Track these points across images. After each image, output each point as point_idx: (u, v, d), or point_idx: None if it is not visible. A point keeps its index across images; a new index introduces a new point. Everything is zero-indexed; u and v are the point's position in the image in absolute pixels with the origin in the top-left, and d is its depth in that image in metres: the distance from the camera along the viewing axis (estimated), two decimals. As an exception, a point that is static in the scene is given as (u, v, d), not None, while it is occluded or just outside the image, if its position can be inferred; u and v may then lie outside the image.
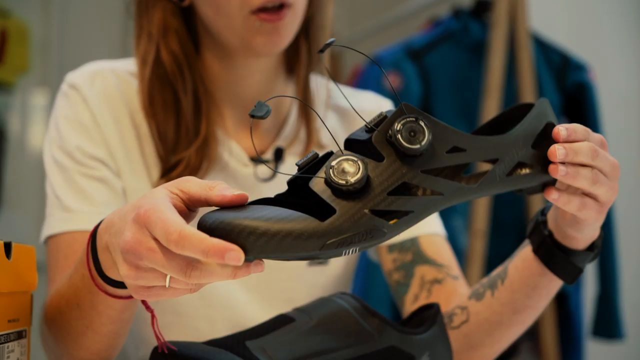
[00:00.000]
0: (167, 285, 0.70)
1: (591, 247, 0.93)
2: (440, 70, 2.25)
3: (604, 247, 2.26)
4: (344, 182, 0.72)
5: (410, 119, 0.75)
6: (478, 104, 2.18)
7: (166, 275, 0.70)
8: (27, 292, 0.85)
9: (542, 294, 0.98)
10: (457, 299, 1.09)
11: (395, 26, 2.84)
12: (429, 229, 1.18)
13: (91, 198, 1.06)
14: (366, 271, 2.17)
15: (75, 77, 1.14)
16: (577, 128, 0.83)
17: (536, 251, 0.94)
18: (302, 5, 1.09)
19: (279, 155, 1.16)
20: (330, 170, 0.73)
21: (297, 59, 1.18)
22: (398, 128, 0.74)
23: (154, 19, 1.11)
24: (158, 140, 1.10)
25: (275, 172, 1.14)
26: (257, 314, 1.12)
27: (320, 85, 1.22)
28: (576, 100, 2.28)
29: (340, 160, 0.73)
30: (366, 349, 0.87)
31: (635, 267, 2.68)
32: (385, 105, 1.28)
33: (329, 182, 0.73)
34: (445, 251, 1.18)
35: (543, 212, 0.95)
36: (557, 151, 0.80)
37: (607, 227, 2.26)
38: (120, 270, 0.71)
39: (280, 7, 1.06)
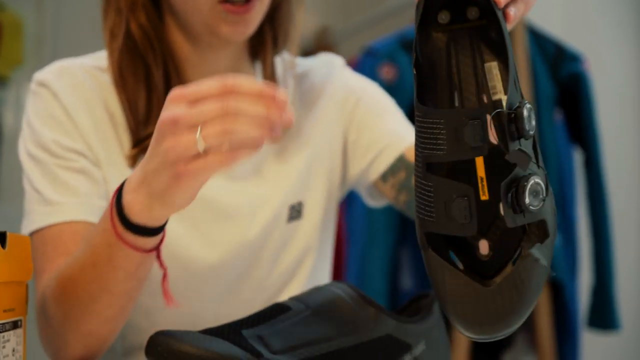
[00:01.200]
0: (197, 137, 0.74)
1: None
2: (435, 62, 2.25)
3: (598, 238, 2.27)
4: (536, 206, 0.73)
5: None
6: (473, 95, 2.17)
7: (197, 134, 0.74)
8: (22, 282, 0.85)
9: None
10: None
11: (390, 18, 2.84)
12: (409, 139, 1.19)
13: (74, 189, 1.06)
14: (361, 264, 2.17)
15: (42, 74, 1.14)
16: None
17: None
18: None
19: None
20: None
21: (262, 46, 1.19)
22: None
23: (122, 4, 1.11)
24: (129, 111, 1.10)
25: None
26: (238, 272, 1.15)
27: (286, 61, 1.24)
28: (571, 91, 2.28)
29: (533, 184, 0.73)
30: (362, 337, 0.87)
31: (631, 257, 2.69)
32: (338, 62, 1.31)
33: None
34: None
35: None
36: None
37: (603, 218, 2.26)
38: (160, 119, 0.76)
39: (247, 1, 1.06)
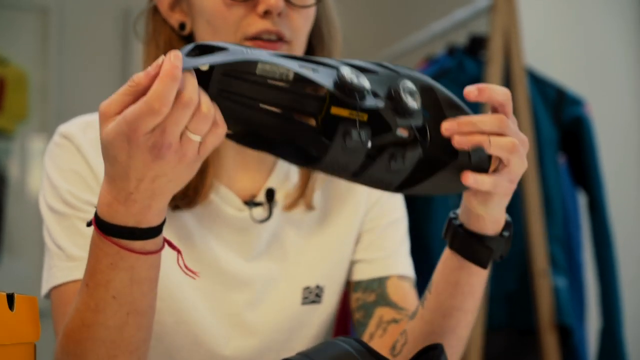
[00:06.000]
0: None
1: (501, 234, 0.96)
2: (437, 108, 2.26)
3: (605, 281, 2.26)
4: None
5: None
6: (476, 140, 2.18)
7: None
8: (30, 344, 0.85)
9: (464, 291, 0.99)
10: None
11: (397, 61, 2.85)
12: (399, 270, 1.19)
13: None
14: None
15: (66, 127, 1.13)
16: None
17: (451, 245, 0.97)
18: (300, 44, 1.10)
19: (270, 196, 1.16)
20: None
21: None
22: None
23: (161, 44, 1.12)
24: None
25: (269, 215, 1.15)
26: (251, 357, 1.13)
27: None
28: (573, 134, 2.29)
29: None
30: (371, 391, 0.86)
31: (638, 298, 2.67)
32: None
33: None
34: (410, 296, 1.18)
35: (454, 212, 0.99)
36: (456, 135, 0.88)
37: (609, 260, 2.26)
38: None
39: (277, 40, 1.06)
